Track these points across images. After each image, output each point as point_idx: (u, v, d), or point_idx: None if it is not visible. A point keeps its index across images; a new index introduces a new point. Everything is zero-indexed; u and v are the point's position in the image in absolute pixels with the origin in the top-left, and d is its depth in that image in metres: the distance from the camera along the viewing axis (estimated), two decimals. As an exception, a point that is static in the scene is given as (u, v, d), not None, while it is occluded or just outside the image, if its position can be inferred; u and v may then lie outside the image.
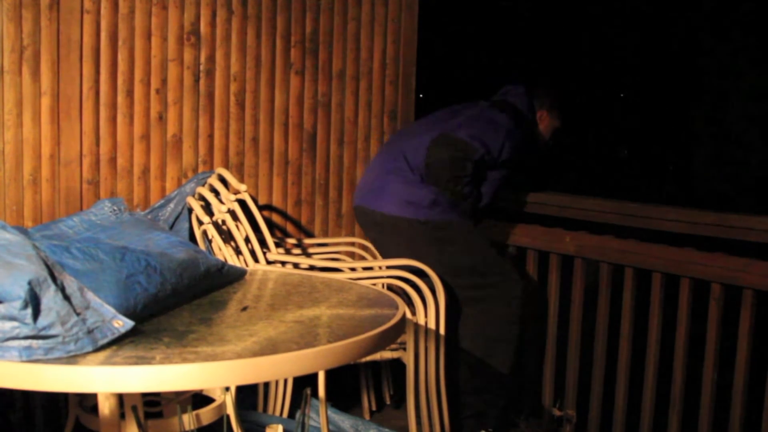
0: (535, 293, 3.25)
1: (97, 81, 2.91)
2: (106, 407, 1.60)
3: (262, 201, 3.26)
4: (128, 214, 1.95)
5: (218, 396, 1.92)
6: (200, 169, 3.12)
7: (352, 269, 3.01)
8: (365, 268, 2.85)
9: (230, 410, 1.86)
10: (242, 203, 2.97)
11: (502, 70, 9.77)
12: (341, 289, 1.88)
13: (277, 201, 3.31)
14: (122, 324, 1.37)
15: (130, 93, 2.97)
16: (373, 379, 3.29)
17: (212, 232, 2.67)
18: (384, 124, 3.50)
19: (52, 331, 1.28)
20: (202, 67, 3.10)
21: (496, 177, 3.11)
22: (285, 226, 3.34)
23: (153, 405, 1.94)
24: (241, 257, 2.74)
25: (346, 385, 3.27)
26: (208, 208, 2.77)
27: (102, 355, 1.31)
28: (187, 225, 2.90)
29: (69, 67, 2.86)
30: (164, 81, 3.03)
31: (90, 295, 1.37)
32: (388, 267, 2.79)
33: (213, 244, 2.71)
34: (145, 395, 1.82)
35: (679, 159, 9.60)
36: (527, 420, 3.22)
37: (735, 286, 2.74)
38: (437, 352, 2.77)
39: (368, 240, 3.28)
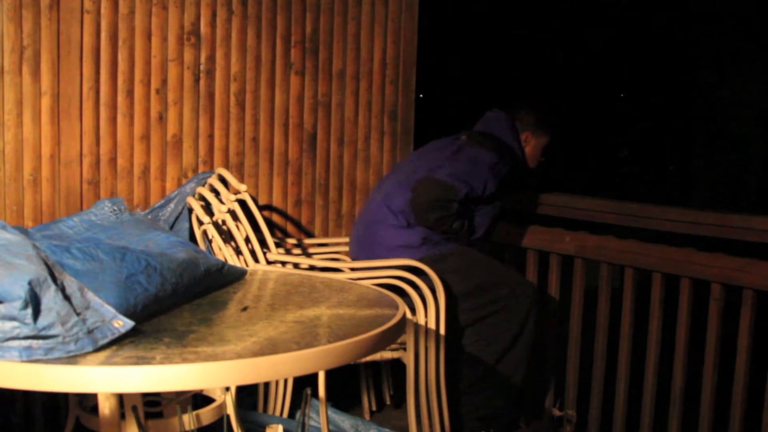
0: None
1: (97, 81, 2.92)
2: (106, 407, 1.60)
3: (262, 201, 3.27)
4: (128, 215, 1.95)
5: (218, 396, 1.92)
6: (200, 170, 3.12)
7: (353, 269, 3.01)
8: (365, 268, 2.85)
9: (230, 410, 1.86)
10: (242, 203, 2.97)
11: (502, 70, 9.77)
12: (341, 289, 1.88)
13: (277, 201, 3.31)
14: (122, 324, 1.37)
15: (130, 93, 2.97)
16: (373, 379, 3.29)
17: (212, 232, 2.67)
18: (384, 124, 3.50)
19: (52, 331, 1.28)
20: (202, 67, 3.10)
21: (488, 209, 3.08)
22: (285, 226, 3.34)
23: (153, 405, 1.93)
24: (241, 257, 2.74)
25: (346, 385, 3.26)
26: (208, 208, 2.77)
27: (102, 355, 1.31)
28: (187, 225, 2.90)
29: (69, 67, 2.86)
30: (164, 81, 3.03)
31: (90, 295, 1.37)
32: (388, 267, 2.79)
33: (213, 244, 2.71)
34: (145, 395, 1.82)
35: (679, 159, 9.60)
36: (527, 420, 3.22)
37: (735, 286, 2.74)
38: (437, 352, 2.77)
39: None
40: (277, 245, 3.10)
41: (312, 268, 3.02)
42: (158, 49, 3.01)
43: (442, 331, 2.76)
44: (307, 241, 3.30)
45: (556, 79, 9.90)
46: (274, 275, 2.05)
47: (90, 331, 1.32)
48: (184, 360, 1.29)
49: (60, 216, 2.80)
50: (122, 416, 1.64)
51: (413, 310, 2.72)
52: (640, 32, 9.56)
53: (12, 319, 1.27)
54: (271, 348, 1.38)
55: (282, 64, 3.26)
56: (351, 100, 3.42)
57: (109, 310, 1.37)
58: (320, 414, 1.98)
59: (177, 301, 1.63)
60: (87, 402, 1.87)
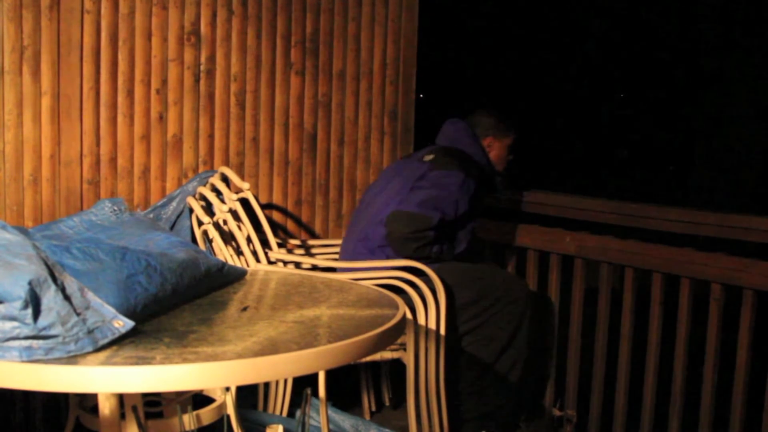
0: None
1: (97, 81, 2.92)
2: (106, 407, 1.60)
3: (262, 201, 3.27)
4: (128, 215, 1.95)
5: (218, 396, 1.92)
6: (200, 170, 3.12)
7: (353, 269, 3.01)
8: (366, 269, 2.84)
9: (231, 410, 1.86)
10: (244, 202, 2.97)
11: (502, 70, 9.77)
12: (341, 289, 1.88)
13: (277, 201, 3.31)
14: (122, 324, 1.37)
15: (130, 93, 2.97)
16: (373, 379, 3.29)
17: (213, 232, 2.67)
18: (384, 124, 3.50)
19: (52, 332, 1.28)
20: (202, 68, 3.10)
21: (466, 225, 3.05)
22: (285, 226, 3.34)
23: (153, 405, 1.93)
24: (242, 257, 2.74)
25: (346, 386, 3.27)
26: (209, 208, 2.77)
27: (102, 355, 1.31)
28: (188, 223, 2.91)
29: (69, 67, 2.86)
30: (164, 81, 3.03)
31: (90, 295, 1.37)
32: (389, 267, 2.79)
33: (213, 244, 2.71)
34: (145, 395, 1.82)
35: (679, 159, 9.60)
36: (527, 420, 3.22)
37: (735, 286, 2.74)
38: (437, 353, 2.77)
39: None
40: (279, 245, 3.10)
41: (314, 267, 3.02)
42: (158, 49, 3.01)
43: (442, 331, 2.76)
44: (309, 241, 3.30)
45: (556, 79, 9.90)
46: (275, 275, 2.05)
47: (90, 331, 1.32)
48: (184, 360, 1.29)
49: (60, 216, 2.80)
50: (122, 416, 1.64)
51: (413, 311, 2.72)
52: (639, 32, 9.56)
53: (12, 319, 1.27)
54: (271, 348, 1.38)
55: (282, 64, 3.26)
56: (351, 100, 3.42)
57: (110, 310, 1.37)
58: (320, 413, 1.98)
59: (177, 301, 1.63)
60: (87, 402, 1.87)
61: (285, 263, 2.94)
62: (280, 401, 2.77)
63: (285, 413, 2.77)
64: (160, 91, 3.03)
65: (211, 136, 3.14)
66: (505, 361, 2.96)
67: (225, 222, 2.72)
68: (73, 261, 1.46)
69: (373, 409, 3.26)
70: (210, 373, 1.29)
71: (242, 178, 3.19)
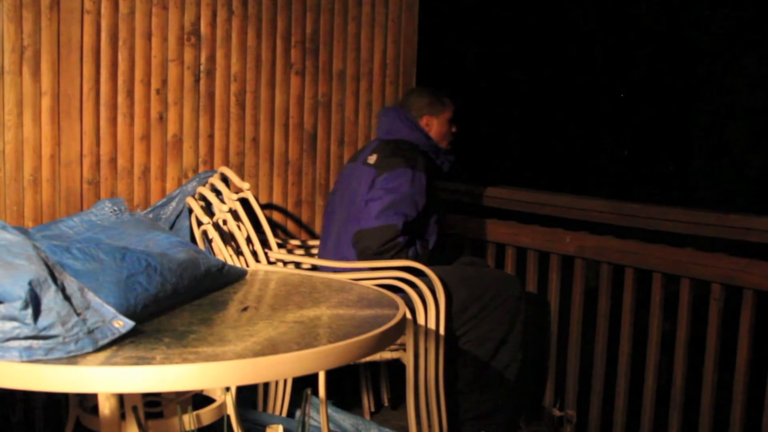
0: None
1: (97, 81, 2.92)
2: (106, 407, 1.60)
3: (262, 201, 3.27)
4: (128, 215, 1.95)
5: (219, 396, 1.92)
6: (200, 170, 3.12)
7: (353, 269, 3.00)
8: (366, 269, 2.84)
9: (231, 410, 1.86)
10: (244, 203, 2.97)
11: (502, 70, 9.78)
12: (341, 289, 1.88)
13: (277, 201, 3.31)
14: (123, 324, 1.37)
15: (130, 93, 2.97)
16: (373, 379, 3.30)
17: (212, 232, 2.67)
18: (384, 125, 3.50)
19: (52, 332, 1.28)
20: (202, 68, 3.10)
21: (430, 217, 3.01)
22: (285, 226, 3.34)
23: (153, 405, 1.94)
24: (242, 257, 2.75)
25: (346, 386, 3.27)
26: (208, 209, 2.77)
27: (102, 355, 1.31)
28: (188, 223, 2.91)
29: (69, 67, 2.86)
30: (164, 81, 3.03)
31: (90, 296, 1.37)
32: (388, 268, 2.79)
33: (213, 245, 2.71)
34: (145, 395, 1.82)
35: (679, 159, 9.60)
36: (527, 420, 3.23)
37: (735, 286, 2.74)
38: (437, 353, 2.77)
39: None
40: (279, 245, 3.10)
41: (314, 268, 3.02)
42: (158, 50, 3.01)
43: (442, 331, 2.77)
44: (309, 241, 3.30)
45: (556, 79, 9.90)
46: (275, 275, 2.05)
47: (90, 332, 1.32)
48: (184, 360, 1.29)
49: (60, 216, 2.80)
50: (122, 416, 1.64)
51: (413, 311, 2.72)
52: (640, 32, 9.56)
53: (12, 319, 1.27)
54: (271, 348, 1.38)
55: (282, 64, 3.26)
56: (351, 100, 3.42)
57: (110, 311, 1.37)
58: (320, 413, 1.98)
59: (177, 301, 1.63)
60: (87, 402, 1.87)
61: (285, 263, 2.94)
62: (280, 401, 2.77)
63: (285, 413, 2.77)
64: (160, 91, 3.03)
65: (211, 136, 3.14)
66: (501, 360, 2.96)
67: (225, 222, 2.72)
68: (73, 261, 1.46)
69: (373, 409, 3.26)
70: (210, 373, 1.29)
71: (242, 178, 3.19)
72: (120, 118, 2.97)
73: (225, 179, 2.99)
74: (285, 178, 3.31)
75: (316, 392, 1.95)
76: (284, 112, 3.28)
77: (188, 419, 1.57)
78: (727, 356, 2.81)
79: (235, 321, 1.58)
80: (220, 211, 2.69)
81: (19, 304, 1.26)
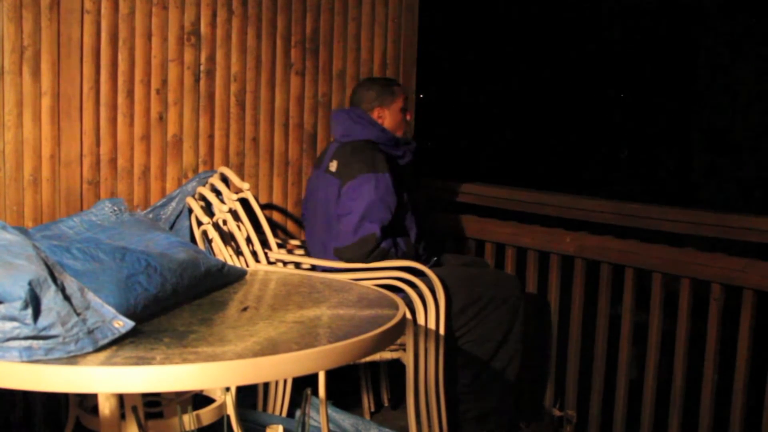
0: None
1: (97, 81, 2.92)
2: (106, 407, 1.60)
3: (262, 201, 3.27)
4: (128, 215, 1.95)
5: (218, 396, 1.92)
6: (200, 170, 3.12)
7: (353, 270, 3.00)
8: (365, 269, 2.84)
9: (231, 410, 1.86)
10: (244, 203, 2.97)
11: (502, 70, 9.77)
12: (341, 289, 1.88)
13: (277, 201, 3.31)
14: (122, 324, 1.37)
15: (130, 93, 2.97)
16: (373, 379, 3.30)
17: (212, 232, 2.67)
18: (384, 125, 3.50)
19: (52, 332, 1.28)
20: (202, 68, 3.10)
21: (405, 213, 2.99)
22: (285, 227, 3.34)
23: (153, 405, 1.93)
24: (241, 258, 2.75)
25: (346, 386, 3.26)
26: (208, 209, 2.77)
27: (102, 355, 1.31)
28: (187, 223, 2.91)
29: (69, 67, 2.86)
30: (164, 81, 3.03)
31: (90, 296, 1.37)
32: (388, 268, 2.79)
33: (213, 245, 2.71)
34: (145, 395, 1.82)
35: (679, 159, 9.61)
36: (527, 420, 3.23)
37: (735, 286, 2.74)
38: (437, 353, 2.77)
39: None
40: (279, 246, 3.10)
41: (313, 268, 3.02)
42: (158, 50, 3.01)
43: (442, 331, 2.77)
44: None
45: (556, 80, 9.90)
46: (275, 275, 2.05)
47: (90, 332, 1.32)
48: (184, 360, 1.29)
49: (60, 216, 2.80)
50: (122, 416, 1.64)
51: (412, 311, 2.72)
52: (640, 32, 9.56)
53: (12, 319, 1.27)
54: (271, 348, 1.38)
55: (282, 64, 3.26)
56: (351, 100, 3.41)
57: (109, 311, 1.37)
58: (320, 413, 1.98)
59: (177, 301, 1.63)
60: (87, 402, 1.87)
61: (285, 263, 2.94)
62: (280, 401, 2.77)
63: (285, 413, 2.77)
64: (160, 91, 3.03)
65: (211, 137, 3.14)
66: (501, 360, 2.96)
67: (225, 222, 2.72)
68: (73, 261, 1.46)
69: (373, 409, 3.26)
70: (210, 373, 1.29)
71: (242, 178, 3.19)
72: (120, 118, 2.97)
73: (225, 179, 2.99)
74: (285, 178, 3.31)
75: (316, 392, 1.95)
76: (284, 112, 3.28)
77: (188, 419, 1.57)
78: (727, 356, 2.81)
79: (235, 321, 1.58)
80: (220, 211, 2.69)
81: (19, 304, 1.26)
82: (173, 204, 2.95)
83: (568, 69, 9.75)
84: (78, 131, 2.90)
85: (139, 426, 1.59)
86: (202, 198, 2.82)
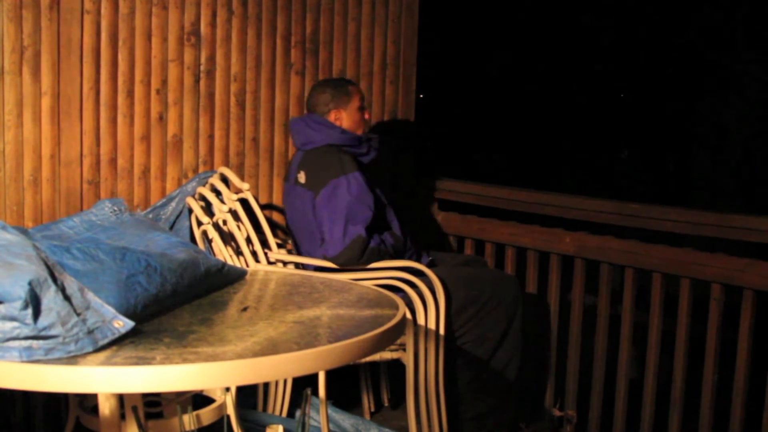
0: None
1: (97, 81, 2.92)
2: (106, 408, 1.60)
3: (262, 201, 3.27)
4: (128, 215, 1.95)
5: (219, 396, 1.92)
6: (200, 170, 3.12)
7: (353, 270, 3.00)
8: (365, 269, 2.84)
9: (231, 410, 1.86)
10: (244, 203, 2.97)
11: (502, 70, 9.77)
12: (342, 289, 1.88)
13: (277, 201, 3.31)
14: (122, 324, 1.37)
15: (130, 93, 2.97)
16: (373, 379, 3.30)
17: (212, 233, 2.67)
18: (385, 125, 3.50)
19: (52, 332, 1.28)
20: (202, 68, 3.10)
21: (384, 207, 2.98)
22: (285, 227, 3.34)
23: (153, 405, 1.93)
24: (241, 258, 2.75)
25: (346, 386, 3.26)
26: (208, 209, 2.77)
27: (102, 355, 1.31)
28: (187, 223, 2.91)
29: (69, 67, 2.86)
30: (164, 81, 3.03)
31: (90, 296, 1.37)
32: (389, 268, 2.79)
33: (213, 245, 2.72)
34: (145, 395, 1.82)
35: (680, 159, 9.61)
36: (527, 420, 3.22)
37: (735, 286, 2.74)
38: (437, 353, 2.77)
39: None
40: (279, 246, 3.10)
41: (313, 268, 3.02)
42: (158, 50, 3.01)
43: (442, 331, 2.77)
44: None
45: (556, 79, 9.90)
46: (275, 275, 2.05)
47: (90, 332, 1.32)
48: (184, 360, 1.29)
49: (60, 216, 2.80)
50: (122, 416, 1.64)
51: (412, 311, 2.72)
52: (640, 32, 9.56)
53: (12, 319, 1.27)
54: (271, 348, 1.38)
55: (282, 64, 3.26)
56: (351, 100, 3.41)
57: (110, 311, 1.37)
58: (320, 413, 1.98)
59: (177, 301, 1.64)
60: (87, 402, 1.87)
61: (285, 263, 2.94)
62: (280, 401, 2.77)
63: (285, 413, 2.77)
64: (160, 92, 3.03)
65: (211, 137, 3.14)
66: (501, 359, 2.96)
67: (224, 222, 2.72)
68: (73, 261, 1.46)
69: (373, 409, 3.26)
70: (210, 373, 1.29)
71: (242, 178, 3.19)
72: (120, 118, 2.97)
73: (225, 179, 2.99)
74: (285, 178, 3.31)
75: (316, 392, 1.95)
76: (284, 112, 3.28)
77: (188, 419, 1.57)
78: (727, 356, 2.81)
79: (235, 321, 1.58)
80: (220, 211, 2.69)
81: (19, 304, 1.26)
82: (173, 204, 2.95)
83: (568, 69, 9.75)
84: (78, 131, 2.90)
85: (139, 426, 1.59)
86: (202, 198, 2.82)
